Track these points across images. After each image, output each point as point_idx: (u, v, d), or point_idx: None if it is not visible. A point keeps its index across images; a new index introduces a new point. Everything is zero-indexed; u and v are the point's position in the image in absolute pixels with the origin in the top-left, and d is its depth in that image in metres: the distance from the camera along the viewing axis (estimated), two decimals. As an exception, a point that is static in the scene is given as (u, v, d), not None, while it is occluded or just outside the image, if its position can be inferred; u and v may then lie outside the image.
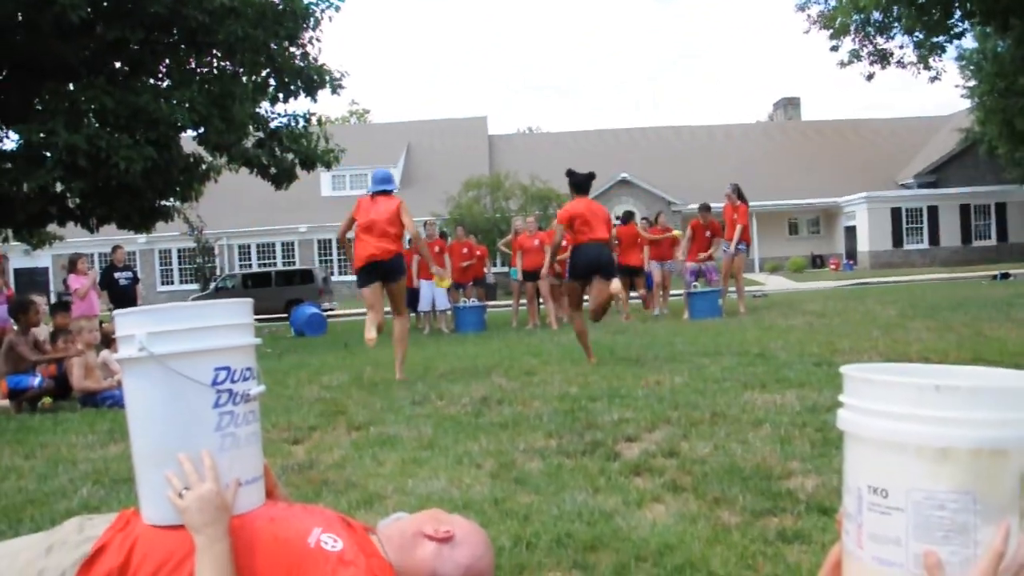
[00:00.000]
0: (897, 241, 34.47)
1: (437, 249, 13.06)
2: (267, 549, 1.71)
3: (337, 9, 14.80)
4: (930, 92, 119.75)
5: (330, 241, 35.43)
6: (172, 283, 35.67)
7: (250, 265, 35.04)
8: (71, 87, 13.01)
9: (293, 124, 15.56)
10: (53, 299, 23.43)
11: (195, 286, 32.91)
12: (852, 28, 16.78)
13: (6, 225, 14.83)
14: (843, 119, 45.94)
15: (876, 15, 16.05)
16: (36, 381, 6.99)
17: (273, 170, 15.43)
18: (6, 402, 6.96)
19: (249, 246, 35.78)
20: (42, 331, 7.79)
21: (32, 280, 32.04)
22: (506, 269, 17.57)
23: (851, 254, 35.68)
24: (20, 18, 11.82)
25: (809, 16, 17.52)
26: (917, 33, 15.81)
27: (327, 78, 14.85)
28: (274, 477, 2.05)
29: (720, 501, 3.14)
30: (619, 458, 3.89)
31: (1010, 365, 5.76)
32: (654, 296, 14.25)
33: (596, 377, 6.43)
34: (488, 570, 1.85)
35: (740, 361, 6.81)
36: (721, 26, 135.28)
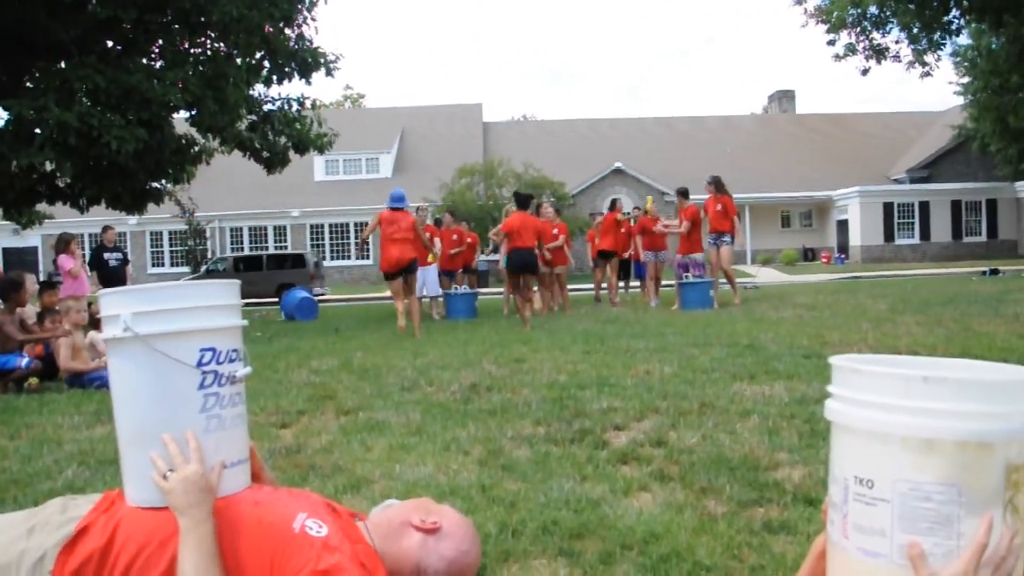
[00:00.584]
0: (888, 236, 34.59)
1: (428, 235, 13.03)
2: (251, 532, 1.71)
3: (332, -8, 14.71)
4: (924, 87, 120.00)
5: (322, 226, 35.36)
6: (163, 265, 35.55)
7: (242, 248, 34.92)
8: (62, 65, 12.90)
9: (287, 108, 15.47)
10: (43, 278, 23.29)
11: (186, 269, 32.79)
12: (848, 22, 16.77)
13: (-5, 203, 14.72)
14: (837, 113, 46.04)
15: (873, 9, 16.06)
16: (24, 361, 6.94)
17: (266, 154, 15.36)
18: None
19: (241, 229, 35.66)
20: (29, 311, 7.75)
21: (21, 260, 31.85)
22: (497, 257, 17.60)
23: (843, 248, 35.79)
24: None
25: (806, 10, 17.51)
26: (913, 29, 15.81)
27: (321, 60, 14.76)
28: (260, 460, 2.04)
29: (707, 491, 3.15)
30: (607, 446, 3.89)
31: (998, 360, 5.77)
32: (648, 286, 14.30)
33: (585, 365, 6.44)
34: (473, 564, 1.84)
35: (730, 352, 6.83)
36: (717, 17, 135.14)
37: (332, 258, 34.74)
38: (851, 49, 17.36)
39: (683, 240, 12.53)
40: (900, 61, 17.29)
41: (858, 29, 16.98)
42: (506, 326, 10.68)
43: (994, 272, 20.63)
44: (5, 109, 12.00)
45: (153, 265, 35.55)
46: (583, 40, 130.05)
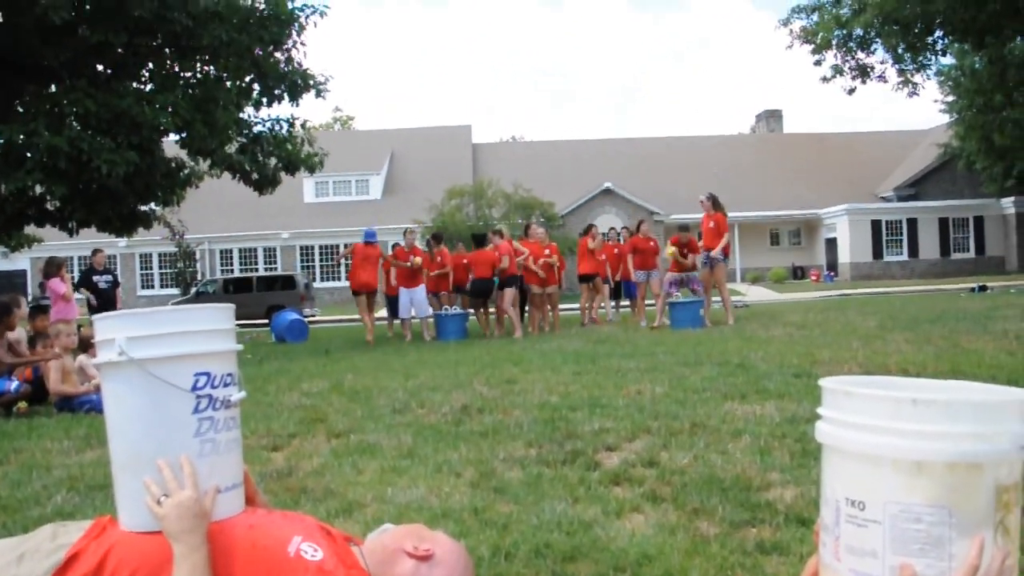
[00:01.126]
0: (877, 253, 34.79)
1: (416, 257, 13.25)
2: (246, 556, 1.70)
3: (323, 15, 14.77)
4: (910, 107, 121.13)
5: (312, 247, 35.33)
6: (153, 287, 35.41)
7: (232, 270, 34.85)
8: (53, 89, 12.91)
9: (276, 128, 15.50)
10: (30, 301, 23.15)
11: (176, 291, 32.68)
12: (834, 43, 16.92)
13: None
14: (824, 132, 46.44)
15: (858, 31, 16.22)
16: (13, 385, 6.89)
17: (255, 175, 15.35)
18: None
19: (231, 251, 35.60)
20: (20, 334, 7.70)
21: (10, 283, 31.68)
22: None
23: (832, 265, 35.96)
24: (1, 18, 11.73)
25: (792, 31, 17.66)
26: (899, 50, 15.97)
27: (311, 82, 14.81)
28: (254, 484, 2.03)
29: (699, 512, 3.15)
30: (599, 468, 3.89)
31: (987, 377, 5.82)
32: (639, 306, 14.34)
33: (577, 386, 6.44)
34: None
35: (720, 371, 6.83)
36: (705, 38, 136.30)
37: (322, 279, 34.67)
38: (837, 70, 17.50)
39: (674, 263, 12.49)
40: (886, 81, 17.45)
41: (843, 50, 17.13)
42: (496, 346, 10.68)
43: (982, 288, 20.75)
44: (-1, 134, 12.01)
45: (143, 287, 35.40)
46: (572, 61, 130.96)
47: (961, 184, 35.65)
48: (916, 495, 1.17)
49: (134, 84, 13.83)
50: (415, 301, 13.26)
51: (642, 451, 4.16)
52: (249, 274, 31.22)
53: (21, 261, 32.01)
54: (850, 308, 15.10)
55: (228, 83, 14.28)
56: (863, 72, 17.28)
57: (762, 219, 36.30)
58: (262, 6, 13.68)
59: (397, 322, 14.14)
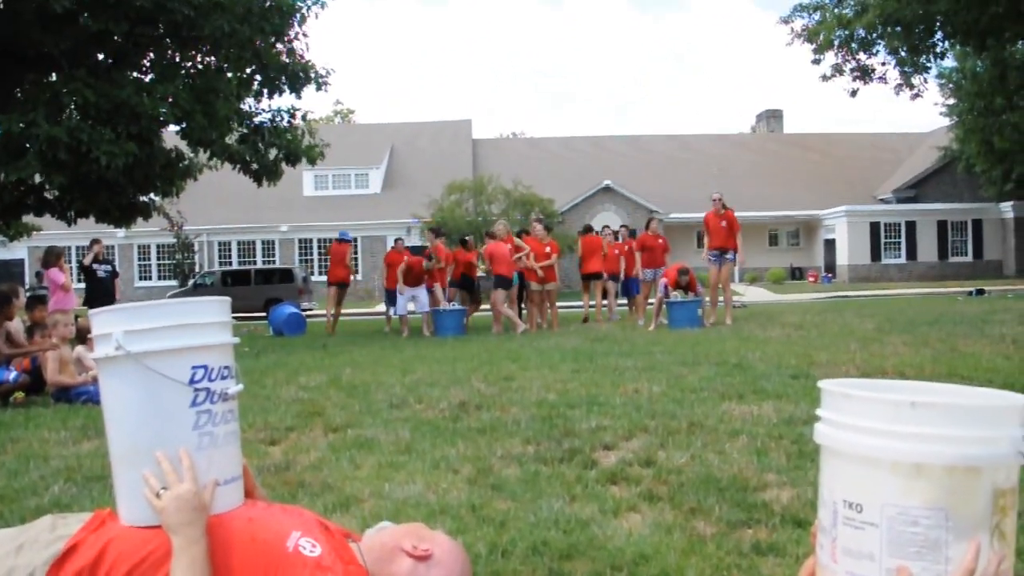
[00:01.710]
0: (875, 255, 34.82)
1: (405, 258, 13.55)
2: (244, 549, 1.71)
3: (323, 6, 14.75)
4: (910, 108, 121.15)
5: (311, 240, 35.31)
6: (150, 278, 35.37)
7: (230, 263, 34.82)
8: (53, 78, 12.88)
9: (277, 120, 15.48)
10: (27, 290, 23.13)
11: (173, 282, 32.65)
12: (835, 43, 16.90)
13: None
14: (824, 133, 46.38)
15: (860, 31, 16.19)
16: (11, 375, 6.89)
17: (255, 166, 15.33)
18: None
19: (229, 243, 35.56)
20: (17, 324, 7.69)
21: (8, 272, 31.62)
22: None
23: (830, 267, 35.99)
24: (1, 6, 11.70)
25: (793, 29, 17.62)
26: (900, 51, 15.95)
27: (312, 75, 14.79)
28: (253, 477, 2.04)
29: (696, 511, 3.16)
30: (596, 466, 3.90)
31: (983, 381, 5.83)
32: (640, 304, 14.36)
33: (574, 384, 6.44)
34: None
35: (718, 371, 6.84)
36: (705, 38, 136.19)
37: (320, 273, 34.67)
38: (838, 70, 17.47)
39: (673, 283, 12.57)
40: (887, 83, 17.42)
41: (845, 50, 17.09)
42: (494, 343, 10.69)
43: (980, 292, 20.76)
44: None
45: (140, 278, 35.36)
46: (573, 58, 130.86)
47: (960, 187, 35.68)
48: (914, 498, 1.18)
49: (134, 74, 13.81)
50: (416, 298, 13.29)
51: (639, 450, 4.17)
52: (247, 267, 31.19)
53: (19, 250, 31.96)
54: (848, 310, 15.12)
55: (229, 74, 14.26)
56: (864, 73, 17.26)
57: (761, 219, 36.30)
58: (264, -4, 13.67)
59: (395, 316, 14.17)
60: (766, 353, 8.02)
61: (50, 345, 7.07)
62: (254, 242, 35.58)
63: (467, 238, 15.41)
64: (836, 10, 16.41)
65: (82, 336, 7.51)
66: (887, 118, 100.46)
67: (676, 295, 12.43)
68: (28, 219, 17.75)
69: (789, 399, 5.37)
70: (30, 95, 12.51)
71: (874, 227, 34.84)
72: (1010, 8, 12.66)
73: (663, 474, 3.68)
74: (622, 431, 4.58)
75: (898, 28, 14.76)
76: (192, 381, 1.79)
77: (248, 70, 14.48)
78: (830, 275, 35.29)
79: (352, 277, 16.36)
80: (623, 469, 3.80)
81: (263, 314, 21.31)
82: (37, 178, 12.76)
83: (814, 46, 17.22)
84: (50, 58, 12.72)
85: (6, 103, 12.51)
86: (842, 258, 35.10)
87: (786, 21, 17.66)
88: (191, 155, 15.43)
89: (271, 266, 31.24)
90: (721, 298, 12.60)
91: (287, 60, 14.59)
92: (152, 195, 15.99)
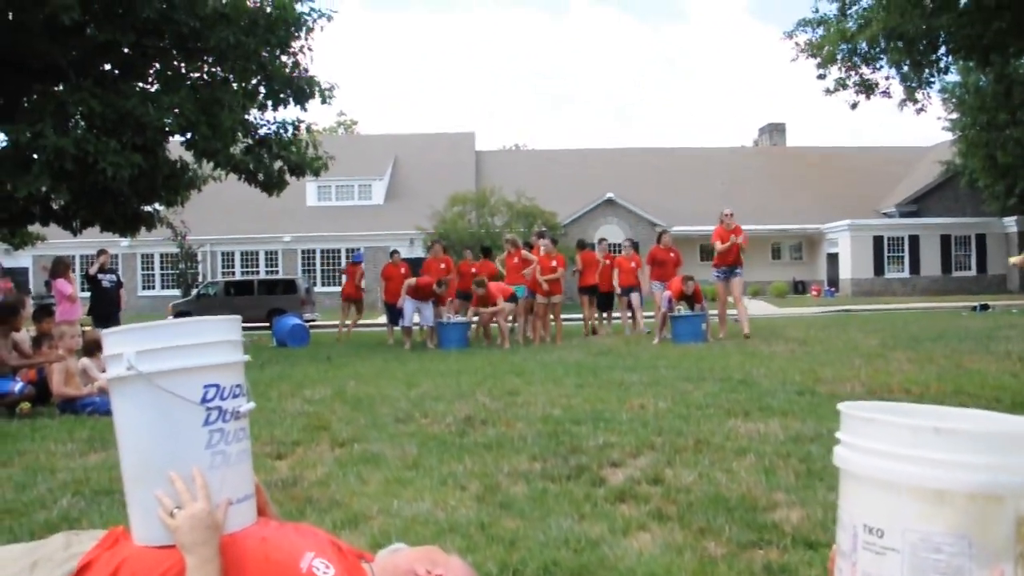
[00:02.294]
0: (879, 269, 34.79)
1: (403, 271, 14.05)
2: (258, 569, 1.70)
3: (329, 19, 14.80)
4: (913, 123, 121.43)
5: (314, 251, 35.33)
6: (154, 288, 35.39)
7: (233, 273, 34.82)
8: (59, 88, 12.93)
9: (282, 131, 15.51)
10: (32, 300, 23.14)
11: (176, 292, 32.65)
12: (839, 57, 16.94)
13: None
14: (827, 147, 46.41)
15: (863, 45, 16.23)
16: (17, 386, 6.89)
17: (261, 176, 15.35)
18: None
19: (233, 253, 35.59)
20: (24, 335, 7.70)
21: (12, 280, 31.58)
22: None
23: (833, 281, 35.95)
24: (9, 17, 11.75)
25: (797, 44, 17.67)
26: (903, 66, 15.99)
27: (317, 88, 14.83)
28: (266, 495, 2.03)
29: (706, 531, 3.14)
30: (604, 484, 3.88)
31: (990, 399, 5.82)
32: (636, 318, 14.38)
33: (579, 399, 6.43)
34: None
35: (723, 387, 6.83)
36: (708, 51, 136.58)
37: (323, 284, 34.67)
38: (841, 84, 17.51)
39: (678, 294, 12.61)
40: (890, 97, 17.45)
41: (848, 64, 17.13)
42: (498, 356, 10.68)
43: (984, 307, 20.71)
44: (3, 133, 12.02)
45: (144, 288, 35.38)
46: (575, 71, 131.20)
47: (963, 202, 35.67)
48: (936, 524, 1.17)
49: (140, 85, 13.86)
50: (421, 310, 13.29)
51: (647, 468, 4.16)
52: (250, 277, 31.20)
53: (23, 259, 31.98)
54: (851, 325, 15.10)
55: (234, 85, 14.30)
56: (867, 87, 17.29)
57: (764, 232, 36.27)
58: (269, 9, 13.72)
59: (397, 329, 14.17)
60: (771, 369, 8.01)
61: (56, 357, 7.07)
62: (257, 252, 35.60)
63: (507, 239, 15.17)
64: (839, 24, 16.46)
65: (88, 348, 7.51)
66: (890, 132, 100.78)
67: (681, 306, 12.42)
68: (33, 228, 17.76)
69: (795, 416, 5.36)
70: (37, 105, 12.56)
71: (877, 241, 34.83)
72: (1013, 24, 12.69)
73: (672, 493, 3.67)
74: (629, 448, 4.57)
75: (900, 43, 14.80)
76: (204, 400, 1.79)
77: (253, 81, 14.53)
78: (833, 289, 35.25)
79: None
80: (631, 487, 3.79)
81: (266, 324, 21.31)
82: (43, 188, 12.78)
83: (818, 60, 17.26)
84: (57, 69, 12.77)
85: (13, 113, 12.56)
86: (845, 272, 35.06)
87: (790, 35, 17.72)
88: (195, 166, 15.46)
89: (274, 276, 31.23)
90: (734, 311, 12.59)
91: (292, 72, 14.64)
92: (157, 205, 16.01)
